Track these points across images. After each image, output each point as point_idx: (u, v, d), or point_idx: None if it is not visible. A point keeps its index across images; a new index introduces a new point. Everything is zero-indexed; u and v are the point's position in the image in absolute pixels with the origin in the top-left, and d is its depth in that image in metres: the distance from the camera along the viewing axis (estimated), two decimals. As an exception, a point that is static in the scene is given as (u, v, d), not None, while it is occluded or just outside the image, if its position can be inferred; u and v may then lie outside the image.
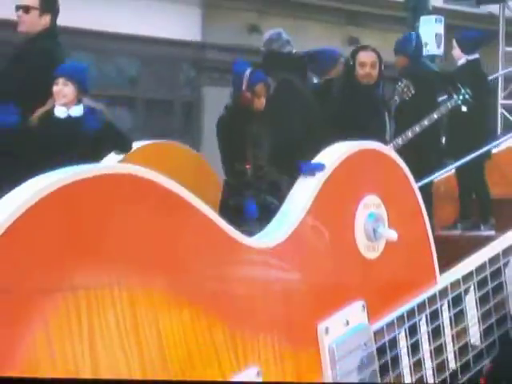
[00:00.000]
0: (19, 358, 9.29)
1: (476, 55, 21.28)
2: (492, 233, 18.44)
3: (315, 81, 19.03)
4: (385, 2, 30.44)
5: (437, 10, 31.59)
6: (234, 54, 22.50)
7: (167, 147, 14.51)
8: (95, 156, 11.81)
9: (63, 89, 12.18)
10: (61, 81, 12.34)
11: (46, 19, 13.63)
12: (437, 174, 19.52)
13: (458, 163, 20.00)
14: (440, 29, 31.12)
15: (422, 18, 30.89)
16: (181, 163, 14.23)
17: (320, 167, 12.24)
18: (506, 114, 22.45)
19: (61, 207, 9.68)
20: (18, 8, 13.70)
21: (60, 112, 12.00)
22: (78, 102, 12.28)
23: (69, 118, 12.05)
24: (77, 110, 12.26)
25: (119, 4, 25.57)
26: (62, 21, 13.82)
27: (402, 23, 30.94)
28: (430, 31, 30.26)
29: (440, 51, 31.23)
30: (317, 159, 12.54)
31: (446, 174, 21.49)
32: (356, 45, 18.21)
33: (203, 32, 26.12)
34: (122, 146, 12.76)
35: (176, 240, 10.70)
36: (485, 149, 20.16)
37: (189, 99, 31.80)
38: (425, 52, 22.82)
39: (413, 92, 18.56)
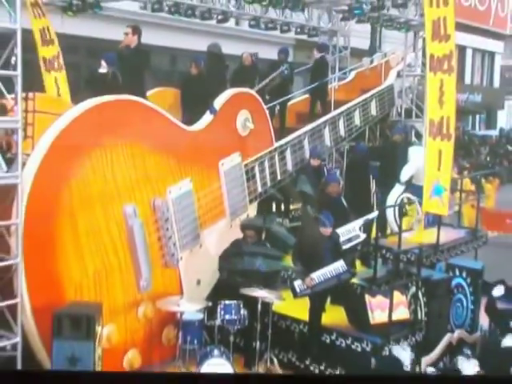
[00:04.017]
0: (80, 170, 9.78)
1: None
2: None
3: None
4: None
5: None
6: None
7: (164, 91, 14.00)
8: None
9: (104, 64, 11.56)
10: (103, 62, 11.59)
11: (136, 38, 12.26)
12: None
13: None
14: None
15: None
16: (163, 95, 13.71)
17: (213, 110, 12.09)
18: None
19: (100, 109, 10.11)
20: (127, 33, 12.19)
21: (101, 71, 11.53)
22: (109, 69, 11.71)
23: (104, 74, 11.58)
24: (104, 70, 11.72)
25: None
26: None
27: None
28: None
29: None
30: (216, 101, 12.32)
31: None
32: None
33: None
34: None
35: (149, 123, 10.89)
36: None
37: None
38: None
39: None
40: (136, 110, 10.69)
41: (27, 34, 13.83)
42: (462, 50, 42.28)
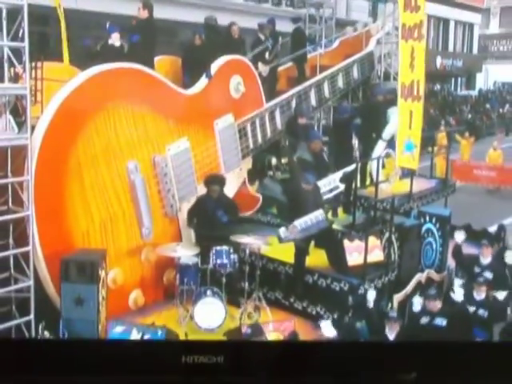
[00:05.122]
0: (85, 131, 9.60)
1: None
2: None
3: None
4: None
5: None
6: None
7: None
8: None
9: (116, 36, 11.16)
10: (114, 34, 11.18)
11: (146, 12, 11.53)
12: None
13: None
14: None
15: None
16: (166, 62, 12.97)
17: (209, 74, 11.74)
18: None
19: (102, 76, 9.85)
20: (140, 8, 11.49)
21: (114, 43, 11.07)
22: (120, 40, 11.29)
23: (116, 46, 11.10)
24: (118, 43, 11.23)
25: None
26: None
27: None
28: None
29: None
30: (212, 66, 11.92)
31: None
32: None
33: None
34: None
35: (149, 89, 10.63)
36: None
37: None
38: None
39: None
40: (136, 76, 10.37)
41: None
42: (446, 21, 43.62)
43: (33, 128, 8.99)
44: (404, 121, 11.56)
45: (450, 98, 43.39)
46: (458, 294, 9.39)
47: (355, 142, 13.00)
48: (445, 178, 14.15)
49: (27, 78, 8.79)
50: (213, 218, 10.62)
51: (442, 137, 21.45)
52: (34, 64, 9.48)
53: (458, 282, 9.63)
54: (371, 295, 9.52)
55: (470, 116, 40.08)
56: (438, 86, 44.58)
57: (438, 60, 41.02)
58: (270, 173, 14.27)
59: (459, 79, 48.39)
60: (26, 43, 8.63)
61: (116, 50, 11.26)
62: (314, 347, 4.70)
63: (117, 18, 12.64)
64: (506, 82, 52.11)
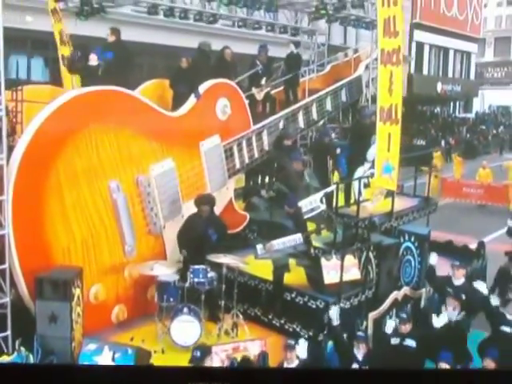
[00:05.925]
0: (66, 152, 8.91)
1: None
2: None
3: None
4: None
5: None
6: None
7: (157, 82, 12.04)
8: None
9: (93, 57, 10.47)
10: (92, 55, 10.52)
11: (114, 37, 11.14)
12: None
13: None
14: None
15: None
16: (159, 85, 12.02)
17: (197, 94, 11.05)
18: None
19: (89, 96, 9.27)
20: (108, 34, 11.09)
21: (92, 64, 10.36)
22: (98, 61, 10.56)
23: (93, 65, 10.40)
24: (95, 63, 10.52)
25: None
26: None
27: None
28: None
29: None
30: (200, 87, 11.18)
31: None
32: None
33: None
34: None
35: (132, 111, 9.94)
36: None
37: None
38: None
39: None
40: (118, 98, 9.67)
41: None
42: (446, 50, 43.53)
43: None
44: (382, 143, 10.74)
45: (449, 120, 43.37)
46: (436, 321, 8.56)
47: (329, 162, 12.29)
48: (427, 196, 13.31)
49: (3, 99, 8.20)
50: (203, 237, 9.81)
51: (436, 156, 20.95)
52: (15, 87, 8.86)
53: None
54: (334, 313, 8.67)
55: (468, 136, 39.74)
56: (438, 109, 44.37)
57: (439, 85, 40.65)
58: (263, 191, 13.54)
59: (458, 103, 48.44)
60: (1, 66, 8.04)
61: (92, 69, 10.65)
62: (319, 375, 4.44)
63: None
64: (500, 106, 52.87)
